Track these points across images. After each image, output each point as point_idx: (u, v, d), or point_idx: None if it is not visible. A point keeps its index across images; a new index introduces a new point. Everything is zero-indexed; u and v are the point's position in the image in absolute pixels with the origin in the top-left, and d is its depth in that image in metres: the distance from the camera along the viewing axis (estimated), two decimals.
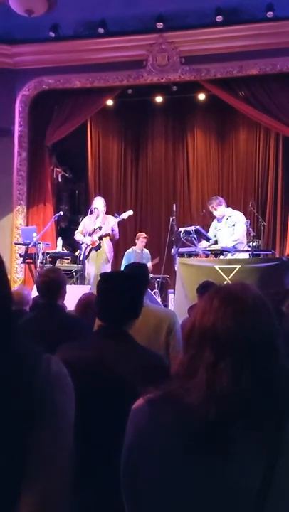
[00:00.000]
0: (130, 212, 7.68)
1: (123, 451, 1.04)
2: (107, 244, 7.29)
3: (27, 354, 0.94)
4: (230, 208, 7.21)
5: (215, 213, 7.14)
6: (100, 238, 7.23)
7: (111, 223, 7.29)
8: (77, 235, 7.49)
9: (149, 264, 7.90)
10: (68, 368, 1.74)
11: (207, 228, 7.33)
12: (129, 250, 8.46)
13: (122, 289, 1.94)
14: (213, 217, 7.26)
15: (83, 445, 1.59)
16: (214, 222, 7.26)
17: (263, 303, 1.05)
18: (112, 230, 7.28)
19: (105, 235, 7.27)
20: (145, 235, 8.53)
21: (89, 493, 1.63)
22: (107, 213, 7.53)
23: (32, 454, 0.87)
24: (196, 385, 0.98)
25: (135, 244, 8.53)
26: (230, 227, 6.93)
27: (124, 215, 7.48)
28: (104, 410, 1.73)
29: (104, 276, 2.05)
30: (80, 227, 7.55)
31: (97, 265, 7.17)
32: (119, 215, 7.44)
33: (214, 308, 1.03)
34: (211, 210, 7.17)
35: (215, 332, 1.00)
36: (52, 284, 2.94)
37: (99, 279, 2.07)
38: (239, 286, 1.07)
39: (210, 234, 7.17)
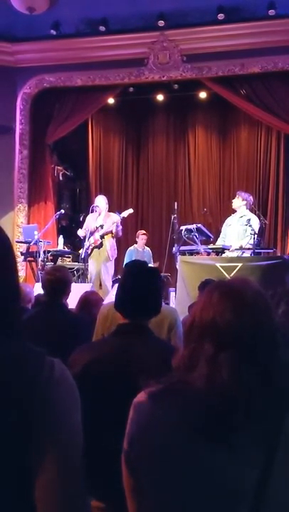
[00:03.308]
0: (130, 211, 7.60)
1: (124, 445, 1.05)
2: (108, 243, 7.21)
3: (29, 358, 0.88)
4: (248, 210, 7.03)
5: (234, 201, 7.01)
6: (102, 237, 7.20)
7: (114, 220, 7.22)
8: (81, 233, 7.38)
9: (150, 265, 7.86)
10: (91, 368, 1.69)
11: (208, 227, 7.28)
12: (131, 248, 8.43)
13: (151, 284, 1.91)
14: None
15: (99, 444, 1.54)
16: (227, 220, 7.14)
17: (263, 298, 1.05)
18: (117, 227, 7.17)
19: (107, 233, 7.21)
20: (144, 232, 8.46)
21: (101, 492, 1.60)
22: (109, 211, 7.50)
23: (37, 461, 0.83)
24: (197, 378, 0.99)
25: (136, 243, 8.51)
26: (242, 226, 6.82)
27: (125, 213, 7.42)
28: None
29: (133, 272, 1.97)
30: (84, 226, 7.43)
31: (98, 263, 7.14)
32: (120, 213, 7.41)
33: (214, 302, 1.03)
34: (236, 196, 7.03)
35: (215, 326, 1.01)
36: (57, 283, 2.95)
37: (124, 273, 2.00)
38: (239, 281, 1.08)
39: (222, 230, 7.09)
